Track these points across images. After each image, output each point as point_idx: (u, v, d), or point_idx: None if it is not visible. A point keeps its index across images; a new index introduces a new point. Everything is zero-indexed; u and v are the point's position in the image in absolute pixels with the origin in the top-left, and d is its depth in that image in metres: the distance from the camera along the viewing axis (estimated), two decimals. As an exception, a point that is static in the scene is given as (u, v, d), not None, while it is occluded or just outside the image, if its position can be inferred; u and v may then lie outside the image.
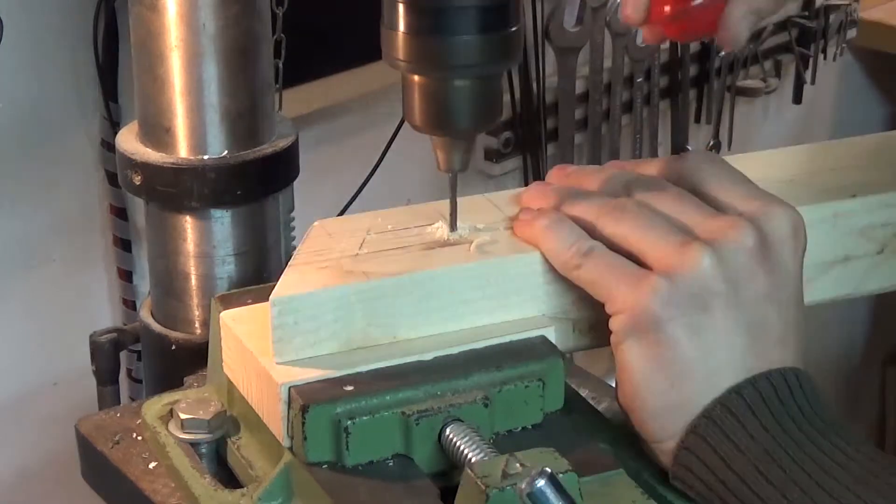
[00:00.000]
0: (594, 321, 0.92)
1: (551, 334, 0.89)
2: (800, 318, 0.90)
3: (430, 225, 0.94)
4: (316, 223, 0.95)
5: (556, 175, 0.98)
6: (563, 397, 0.88)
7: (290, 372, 0.84)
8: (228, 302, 0.93)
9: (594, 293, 0.88)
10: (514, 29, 0.88)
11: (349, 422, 0.81)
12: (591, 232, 0.90)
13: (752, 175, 0.96)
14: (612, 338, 0.88)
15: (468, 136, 0.92)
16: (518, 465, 0.75)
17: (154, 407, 0.95)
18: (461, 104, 0.89)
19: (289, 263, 0.89)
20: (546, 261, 0.90)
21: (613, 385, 1.03)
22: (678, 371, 0.86)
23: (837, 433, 0.85)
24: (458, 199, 0.94)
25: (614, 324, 0.87)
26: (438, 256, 0.91)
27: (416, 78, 0.90)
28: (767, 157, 1.07)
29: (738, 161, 1.00)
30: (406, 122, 0.92)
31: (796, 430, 0.84)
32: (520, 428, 0.86)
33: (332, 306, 0.86)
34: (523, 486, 0.72)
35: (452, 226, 0.94)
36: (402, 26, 0.87)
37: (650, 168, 0.96)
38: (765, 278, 0.87)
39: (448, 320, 0.89)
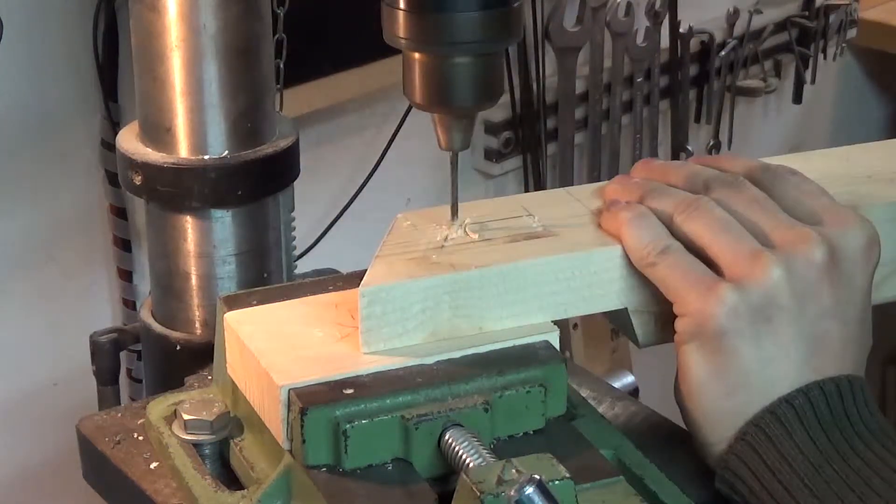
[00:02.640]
0: (673, 316, 0.93)
1: (555, 339, 0.89)
2: (862, 333, 0.90)
3: (513, 217, 0.95)
4: (399, 215, 0.95)
5: (641, 168, 0.98)
6: (566, 403, 0.88)
7: (291, 374, 0.84)
8: (234, 303, 0.93)
9: (664, 292, 0.89)
10: (515, 5, 0.88)
11: (348, 425, 0.81)
12: (670, 227, 0.91)
13: (830, 170, 0.97)
14: (676, 337, 0.89)
15: (469, 114, 0.92)
16: (514, 471, 0.74)
17: (158, 407, 0.96)
18: (462, 81, 0.89)
19: (375, 254, 0.90)
20: (626, 255, 0.91)
21: (614, 385, 1.04)
22: (736, 380, 0.87)
23: (885, 445, 0.85)
24: (540, 194, 0.96)
25: (679, 325, 0.88)
26: (524, 249, 0.91)
27: (416, 55, 0.89)
28: (844, 152, 1.07)
29: (814, 157, 1.00)
30: (409, 109, 0.92)
31: (843, 442, 0.85)
32: (521, 433, 0.86)
33: (419, 297, 0.87)
34: (512, 492, 0.72)
35: (454, 209, 0.94)
36: (402, 3, 0.87)
37: (734, 166, 0.96)
38: (831, 294, 0.88)
39: (533, 312, 0.90)
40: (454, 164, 0.93)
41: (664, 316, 0.93)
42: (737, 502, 0.87)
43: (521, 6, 0.89)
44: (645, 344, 0.94)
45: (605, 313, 0.94)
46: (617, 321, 0.95)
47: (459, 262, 0.89)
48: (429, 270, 0.88)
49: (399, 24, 0.88)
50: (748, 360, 0.86)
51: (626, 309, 0.92)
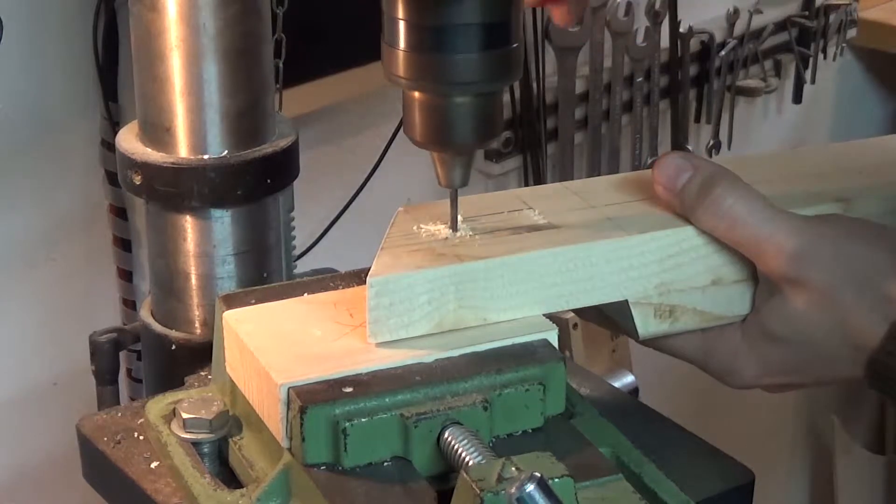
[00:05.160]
0: (673, 307, 0.94)
1: (553, 338, 0.90)
2: None
3: (514, 211, 0.96)
4: (400, 209, 0.96)
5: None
6: (565, 401, 0.88)
7: (290, 372, 0.84)
8: (232, 302, 0.93)
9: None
10: (514, 46, 0.89)
11: (347, 423, 0.81)
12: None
13: (822, 166, 0.99)
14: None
15: (468, 152, 0.93)
16: (514, 469, 0.75)
17: (157, 406, 0.96)
18: (461, 121, 0.90)
19: (380, 246, 0.91)
20: (628, 247, 0.92)
21: (614, 384, 1.04)
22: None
23: None
24: (537, 188, 0.97)
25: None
26: (528, 241, 0.92)
27: (416, 94, 0.90)
28: (836, 148, 1.08)
29: (806, 153, 1.01)
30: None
31: None
32: (520, 432, 0.86)
33: (426, 288, 0.87)
34: (513, 490, 0.72)
35: (453, 226, 0.94)
36: (402, 44, 0.88)
37: None
38: None
39: (536, 303, 0.91)
40: (454, 200, 0.94)
41: (663, 308, 0.93)
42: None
43: (519, 47, 0.90)
44: (644, 336, 0.95)
45: (603, 308, 0.95)
46: (617, 314, 0.95)
47: (465, 254, 0.90)
48: (435, 262, 0.89)
49: (399, 63, 0.88)
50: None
51: (626, 301, 0.93)
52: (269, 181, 1.09)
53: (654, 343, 0.97)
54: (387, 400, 0.83)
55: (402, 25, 0.87)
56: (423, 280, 0.88)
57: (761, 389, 0.99)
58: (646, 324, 0.94)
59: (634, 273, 0.93)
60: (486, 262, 0.89)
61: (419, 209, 0.96)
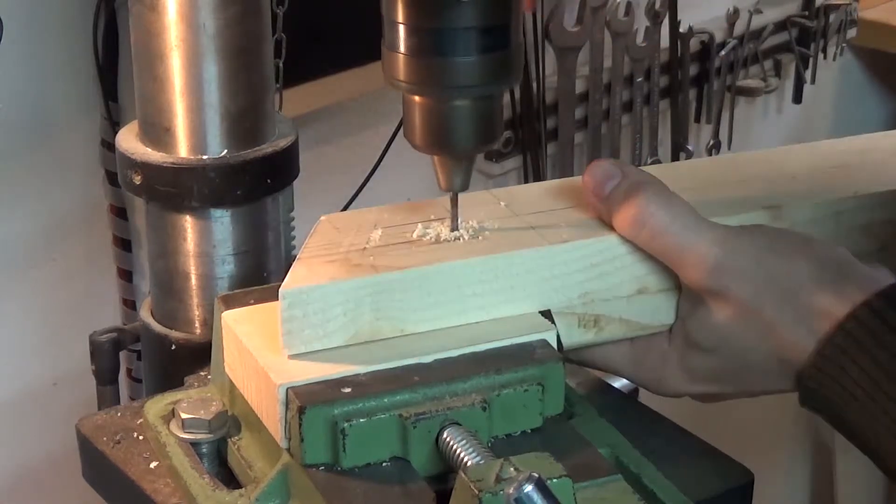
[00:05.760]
0: (598, 316, 0.93)
1: (552, 338, 0.89)
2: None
3: (437, 220, 0.94)
4: (323, 217, 0.95)
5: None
6: (564, 401, 0.88)
7: (289, 373, 0.85)
8: (231, 302, 0.93)
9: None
10: (513, 49, 0.89)
11: (346, 424, 0.81)
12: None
13: (754, 172, 0.96)
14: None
15: (468, 156, 0.92)
16: (512, 469, 0.75)
17: (156, 406, 0.96)
18: (461, 124, 0.90)
19: (297, 257, 0.90)
20: (549, 255, 0.91)
21: (613, 384, 1.04)
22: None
23: None
24: (465, 196, 0.95)
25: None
26: (446, 251, 0.91)
27: (416, 98, 0.90)
28: (770, 154, 1.07)
29: (740, 159, 1.00)
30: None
31: None
32: (519, 432, 0.86)
33: (340, 299, 0.87)
34: (511, 490, 0.72)
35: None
36: (402, 47, 0.88)
37: None
38: None
39: (455, 314, 0.90)
40: (454, 204, 0.94)
41: (587, 317, 0.93)
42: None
43: (519, 50, 0.89)
44: (569, 347, 0.93)
45: None
46: None
47: (381, 265, 0.89)
48: (350, 273, 0.88)
49: (399, 67, 0.88)
50: None
51: (548, 311, 0.92)
52: (268, 181, 1.09)
53: (579, 355, 0.96)
54: (385, 400, 0.83)
55: (401, 29, 0.88)
56: (338, 291, 0.86)
57: (691, 398, 0.97)
58: (570, 334, 0.93)
59: (557, 282, 0.91)
60: (403, 273, 0.88)
61: (341, 218, 0.95)
